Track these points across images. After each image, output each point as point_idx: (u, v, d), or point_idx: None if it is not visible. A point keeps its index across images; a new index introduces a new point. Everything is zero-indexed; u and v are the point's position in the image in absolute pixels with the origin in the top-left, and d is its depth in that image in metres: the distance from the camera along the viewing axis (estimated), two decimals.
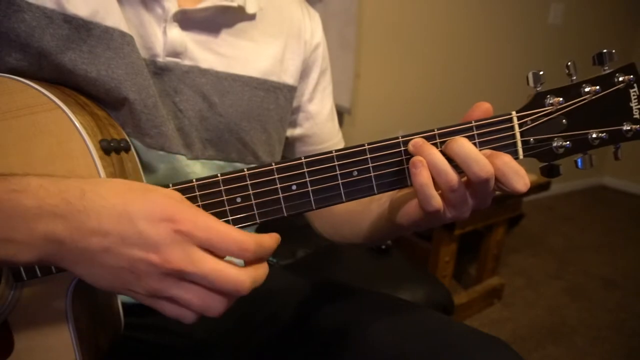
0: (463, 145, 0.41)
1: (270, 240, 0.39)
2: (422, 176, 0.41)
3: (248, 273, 0.36)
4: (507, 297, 1.83)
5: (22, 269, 0.43)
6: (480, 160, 0.40)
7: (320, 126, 0.71)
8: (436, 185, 0.42)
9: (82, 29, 0.48)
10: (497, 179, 0.41)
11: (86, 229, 0.34)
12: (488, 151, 0.42)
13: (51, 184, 0.35)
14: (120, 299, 0.55)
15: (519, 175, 0.41)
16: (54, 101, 0.45)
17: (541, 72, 0.44)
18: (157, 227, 0.33)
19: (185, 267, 0.33)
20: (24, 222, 0.34)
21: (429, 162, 0.41)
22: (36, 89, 0.45)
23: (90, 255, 0.34)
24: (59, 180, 0.35)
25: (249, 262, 0.37)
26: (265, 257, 0.38)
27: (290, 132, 0.70)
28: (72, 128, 0.45)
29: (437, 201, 0.42)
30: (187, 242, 0.34)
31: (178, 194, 0.38)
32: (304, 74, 0.67)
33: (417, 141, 0.43)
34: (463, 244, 1.62)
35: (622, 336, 1.64)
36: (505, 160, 0.41)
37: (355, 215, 0.60)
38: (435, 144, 0.43)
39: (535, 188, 1.64)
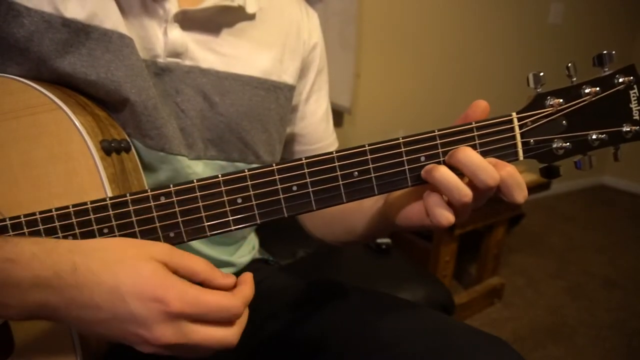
0: (469, 155, 0.41)
1: (251, 289, 0.41)
2: (436, 200, 0.42)
3: (235, 330, 0.38)
4: (508, 297, 1.83)
5: None
6: (487, 168, 0.40)
7: (315, 126, 0.71)
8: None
9: (81, 33, 0.48)
10: (499, 189, 0.42)
11: (79, 301, 0.35)
12: (492, 160, 0.42)
13: (44, 254, 0.35)
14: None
15: (520, 188, 0.41)
16: (54, 101, 0.45)
17: (541, 74, 0.44)
18: (147, 307, 0.35)
19: (177, 341, 0.35)
20: (18, 291, 0.35)
21: (442, 183, 0.41)
22: (37, 90, 0.45)
23: (85, 323, 0.36)
24: (52, 249, 0.36)
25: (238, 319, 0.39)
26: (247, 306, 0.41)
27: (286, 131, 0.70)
28: (73, 128, 0.45)
29: (450, 217, 0.42)
30: (177, 319, 0.35)
31: (166, 252, 0.38)
32: (302, 73, 0.67)
33: (427, 168, 0.43)
34: (463, 243, 1.62)
35: (622, 336, 1.64)
36: (509, 171, 0.41)
37: (349, 214, 0.60)
38: (435, 145, 0.43)
39: (535, 188, 1.64)
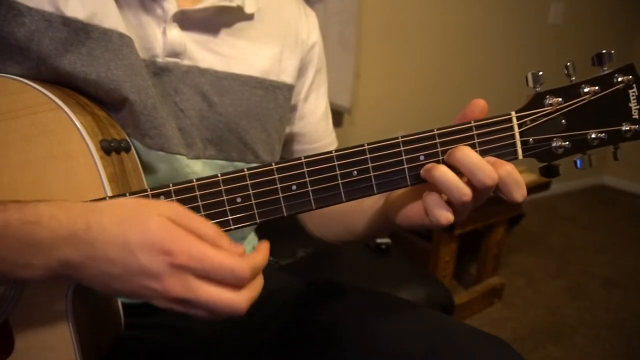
0: (467, 154, 0.41)
1: (263, 257, 0.40)
2: (436, 200, 0.42)
3: (244, 295, 0.38)
4: (507, 297, 1.83)
5: None
6: (485, 167, 0.40)
7: (314, 125, 0.71)
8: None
9: (81, 32, 0.48)
10: (497, 187, 0.42)
11: (95, 257, 0.36)
12: (491, 158, 0.42)
13: (61, 214, 0.37)
14: (121, 298, 0.55)
15: (519, 186, 0.41)
16: (54, 101, 0.45)
17: (540, 73, 0.44)
18: (155, 259, 0.35)
19: (185, 295, 0.36)
20: (41, 251, 0.36)
21: (442, 182, 0.41)
22: (37, 89, 0.45)
23: (104, 279, 0.37)
24: (69, 209, 0.37)
25: (245, 284, 0.38)
26: (259, 273, 0.40)
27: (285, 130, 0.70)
28: (73, 128, 0.45)
29: (449, 216, 0.42)
30: (184, 272, 0.36)
31: (175, 210, 0.38)
32: (300, 73, 0.67)
33: (426, 167, 0.43)
34: (463, 243, 1.62)
35: (623, 336, 1.64)
36: (508, 169, 0.41)
37: (349, 213, 0.60)
38: (435, 144, 0.43)
39: (535, 188, 1.64)
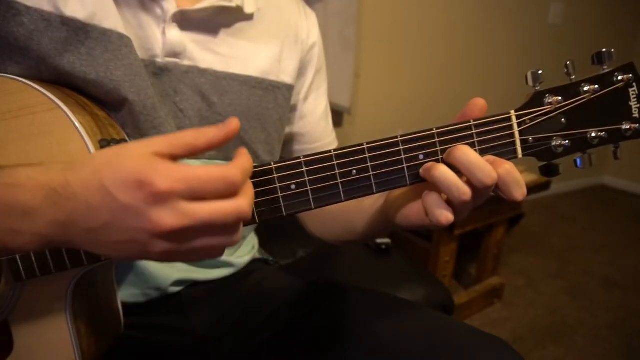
0: (466, 153, 0.41)
1: (247, 158, 0.38)
2: (435, 200, 0.42)
3: (242, 199, 0.35)
4: (507, 297, 1.83)
5: (21, 269, 0.43)
6: (484, 166, 0.40)
7: (314, 125, 0.71)
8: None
9: (80, 32, 0.48)
10: (497, 186, 0.41)
11: (80, 210, 0.34)
12: (491, 157, 0.42)
13: (38, 175, 0.35)
14: (120, 298, 0.55)
15: (518, 185, 0.41)
16: (54, 101, 0.45)
17: (540, 72, 0.44)
18: (135, 194, 0.33)
19: (181, 223, 0.33)
20: (24, 214, 0.35)
21: (441, 181, 0.41)
22: (36, 89, 0.45)
23: (95, 234, 0.35)
24: (46, 170, 0.36)
25: (239, 188, 0.36)
26: (249, 176, 0.38)
27: (285, 130, 0.70)
28: (72, 128, 0.45)
29: (449, 215, 0.42)
30: (170, 199, 0.33)
31: (151, 146, 0.35)
32: (300, 73, 0.67)
33: (425, 166, 0.43)
34: (463, 243, 1.62)
35: (622, 336, 1.64)
36: (507, 168, 0.41)
37: (349, 213, 0.60)
38: (434, 143, 0.43)
39: (535, 188, 1.64)
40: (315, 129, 0.71)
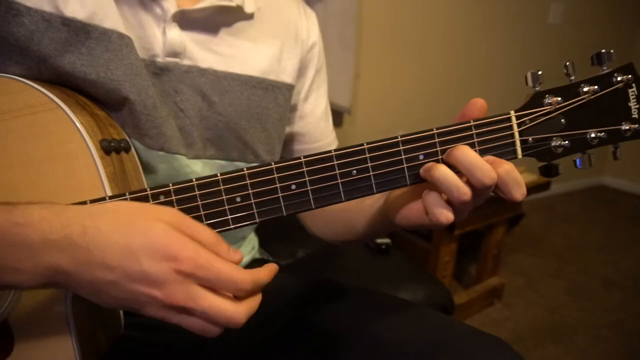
0: (466, 153, 0.41)
1: (267, 274, 0.40)
2: (435, 199, 0.42)
3: (243, 308, 0.37)
4: (507, 297, 1.83)
5: None
6: (484, 166, 0.40)
7: (314, 125, 0.71)
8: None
9: (81, 32, 0.48)
10: (497, 186, 0.41)
11: (91, 263, 0.35)
12: (490, 158, 0.42)
13: (53, 217, 0.35)
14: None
15: (518, 185, 0.41)
16: (54, 101, 0.45)
17: (540, 72, 0.44)
18: (160, 266, 0.35)
19: (186, 303, 0.35)
20: (30, 254, 0.35)
21: (441, 181, 0.41)
22: (37, 89, 0.45)
23: (97, 286, 0.36)
24: (61, 212, 0.36)
25: (245, 296, 0.38)
26: (260, 290, 0.40)
27: (285, 130, 0.70)
28: (73, 128, 0.45)
29: (449, 215, 0.42)
30: (188, 280, 0.35)
31: (174, 216, 0.37)
32: (300, 73, 0.67)
33: (425, 166, 0.43)
34: (463, 244, 1.62)
35: (622, 336, 1.64)
36: (507, 168, 0.41)
37: (349, 213, 0.60)
38: (434, 144, 0.43)
39: (535, 188, 1.64)
40: (316, 128, 0.71)
